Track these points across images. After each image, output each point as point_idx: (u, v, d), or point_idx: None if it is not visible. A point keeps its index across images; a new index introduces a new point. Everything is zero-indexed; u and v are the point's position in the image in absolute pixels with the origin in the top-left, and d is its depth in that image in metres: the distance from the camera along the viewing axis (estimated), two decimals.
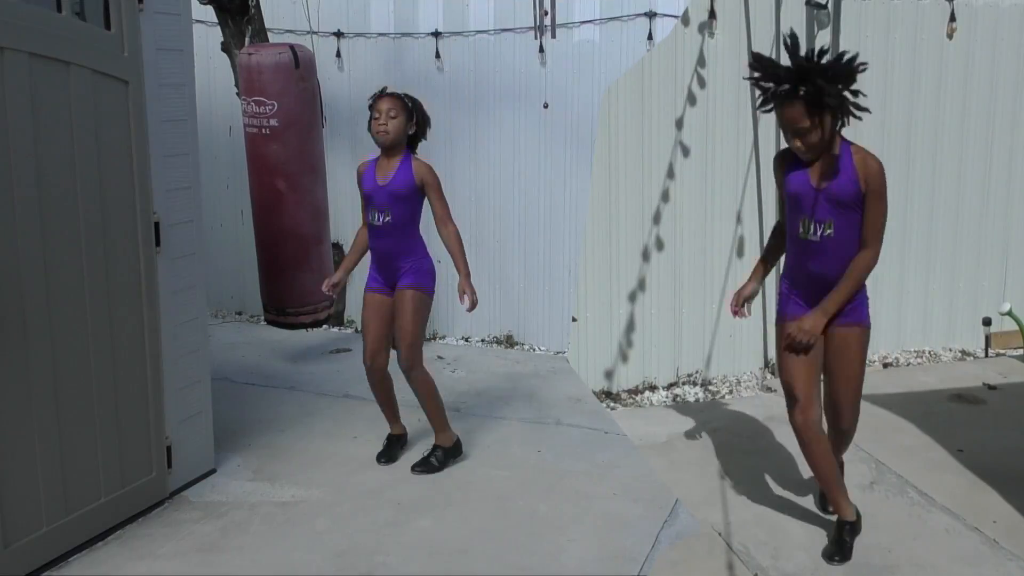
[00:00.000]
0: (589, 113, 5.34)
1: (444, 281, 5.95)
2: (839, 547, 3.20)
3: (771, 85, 2.98)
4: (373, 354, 3.79)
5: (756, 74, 3.06)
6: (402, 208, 3.70)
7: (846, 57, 2.93)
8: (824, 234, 3.05)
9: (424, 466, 3.84)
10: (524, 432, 4.29)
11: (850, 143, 3.06)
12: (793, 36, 2.98)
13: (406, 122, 3.70)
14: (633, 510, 3.50)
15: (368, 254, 3.87)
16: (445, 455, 3.89)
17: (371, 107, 3.72)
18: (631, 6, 5.26)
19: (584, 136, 5.42)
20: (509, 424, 4.40)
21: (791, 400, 3.18)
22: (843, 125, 3.00)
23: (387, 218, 3.70)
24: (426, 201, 3.81)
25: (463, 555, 3.16)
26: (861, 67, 2.92)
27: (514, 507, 3.52)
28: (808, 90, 2.87)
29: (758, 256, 5.33)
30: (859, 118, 2.98)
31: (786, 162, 3.15)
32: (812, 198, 3.05)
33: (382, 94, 3.72)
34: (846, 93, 2.92)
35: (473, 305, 3.76)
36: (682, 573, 3.11)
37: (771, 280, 4.83)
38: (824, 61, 2.91)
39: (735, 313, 3.47)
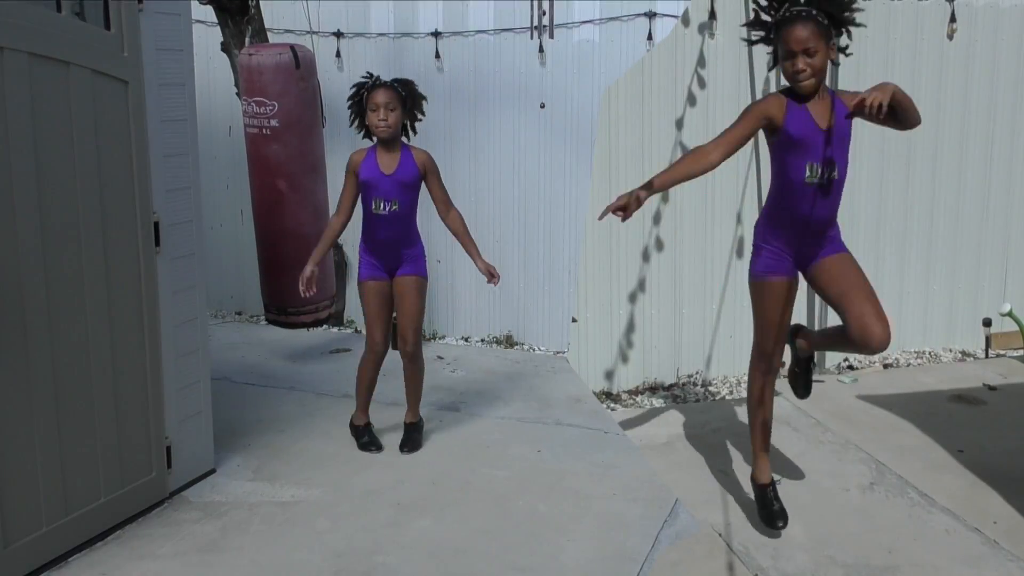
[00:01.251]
0: (589, 113, 5.34)
1: (444, 281, 5.99)
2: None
3: (781, 11, 3.03)
4: (384, 337, 3.89)
5: (763, 4, 3.10)
6: (408, 196, 3.80)
7: None
8: (830, 176, 3.05)
9: (412, 445, 4.03)
10: (524, 432, 4.29)
11: (832, 89, 3.12)
12: None
13: (402, 113, 3.76)
14: (633, 510, 3.50)
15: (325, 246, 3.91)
16: (419, 430, 4.12)
17: (363, 98, 3.75)
18: (631, 6, 5.26)
19: (584, 136, 5.42)
20: (509, 424, 4.40)
21: (766, 355, 3.31)
22: (835, 62, 3.10)
23: (394, 207, 3.76)
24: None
25: (463, 555, 3.17)
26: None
27: (514, 507, 3.52)
28: (822, 14, 2.95)
29: None
30: (850, 53, 3.09)
31: (781, 103, 3.07)
32: (821, 140, 3.02)
33: (375, 86, 3.74)
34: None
35: (498, 279, 3.88)
36: (682, 573, 3.11)
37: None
38: None
39: (622, 218, 3.04)
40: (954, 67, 5.67)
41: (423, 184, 3.88)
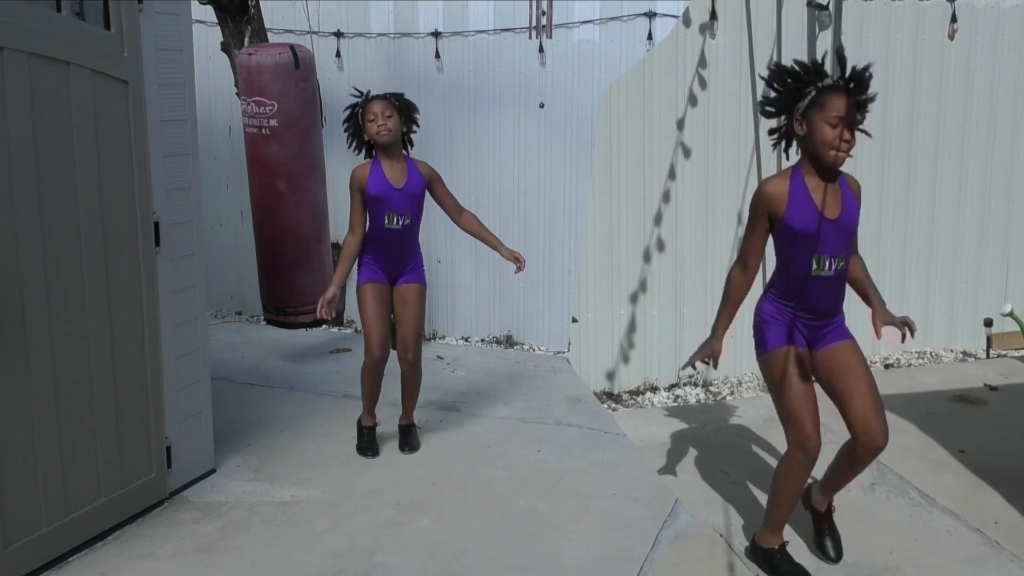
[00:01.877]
0: (589, 113, 5.34)
1: (444, 281, 5.99)
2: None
3: (813, 82, 2.81)
4: (383, 342, 3.82)
5: (787, 80, 2.86)
6: (417, 208, 3.84)
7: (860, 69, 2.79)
8: (837, 267, 2.85)
9: (412, 445, 4.04)
10: (524, 432, 4.29)
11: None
12: (840, 49, 2.90)
13: (400, 120, 3.79)
14: (633, 510, 3.50)
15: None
16: (414, 431, 4.12)
17: (359, 112, 3.80)
18: (631, 6, 5.27)
19: (584, 136, 5.42)
20: (509, 424, 4.40)
21: (805, 430, 2.88)
22: None
23: (406, 221, 3.78)
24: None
25: (463, 555, 3.16)
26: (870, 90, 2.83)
27: (514, 507, 3.52)
28: (857, 87, 2.76)
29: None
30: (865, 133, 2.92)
31: (780, 193, 2.84)
32: (827, 232, 2.80)
33: (368, 99, 3.79)
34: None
35: (523, 263, 3.96)
36: (683, 574, 3.11)
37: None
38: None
39: (710, 363, 3.00)
40: (955, 67, 5.67)
41: (427, 194, 3.90)
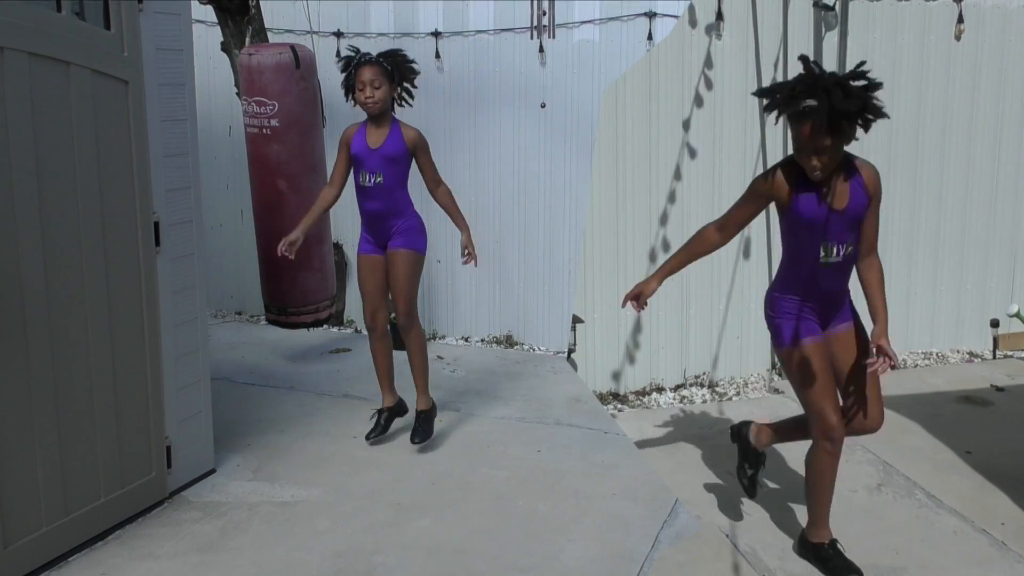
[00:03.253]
0: (589, 113, 5.34)
1: (444, 281, 5.98)
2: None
3: (790, 102, 2.79)
4: (373, 312, 3.96)
5: (768, 101, 2.87)
6: (393, 170, 3.84)
7: (859, 69, 2.76)
8: (845, 253, 2.92)
9: (423, 435, 3.99)
10: (524, 432, 4.29)
11: (849, 154, 2.89)
12: (804, 56, 2.82)
13: (391, 87, 3.81)
14: (633, 510, 3.49)
15: (323, 217, 4.06)
16: (430, 419, 4.06)
17: (350, 74, 3.80)
18: (631, 6, 5.26)
19: (584, 136, 5.41)
20: (509, 424, 4.40)
21: (828, 420, 2.96)
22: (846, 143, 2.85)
23: (379, 179, 3.83)
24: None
25: (463, 555, 3.16)
26: (874, 83, 2.74)
27: (514, 507, 3.52)
28: (830, 104, 2.67)
29: (765, 257, 5.38)
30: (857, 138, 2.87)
31: (788, 182, 2.88)
32: (835, 222, 2.85)
33: (361, 63, 3.77)
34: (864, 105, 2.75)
35: (476, 261, 3.91)
36: (689, 574, 3.11)
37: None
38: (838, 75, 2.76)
39: (636, 308, 3.16)
40: (961, 68, 5.67)
41: (413, 161, 3.91)
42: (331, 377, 5.07)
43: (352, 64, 3.80)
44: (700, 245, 3.12)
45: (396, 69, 3.82)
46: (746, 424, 3.56)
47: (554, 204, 5.61)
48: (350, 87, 3.83)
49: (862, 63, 2.79)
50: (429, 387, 4.09)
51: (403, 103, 3.94)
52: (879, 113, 2.75)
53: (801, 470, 3.96)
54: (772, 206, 3.01)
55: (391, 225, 3.90)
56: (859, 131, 2.81)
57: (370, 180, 3.83)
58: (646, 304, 3.14)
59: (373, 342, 4.04)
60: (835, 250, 2.89)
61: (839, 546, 3.16)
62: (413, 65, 3.91)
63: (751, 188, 3.00)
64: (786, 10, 5.25)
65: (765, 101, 2.91)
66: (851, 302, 3.10)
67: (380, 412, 4.11)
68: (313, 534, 3.30)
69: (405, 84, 3.89)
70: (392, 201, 3.88)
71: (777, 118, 2.87)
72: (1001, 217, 5.92)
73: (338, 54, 5.93)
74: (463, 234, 3.95)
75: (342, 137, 3.90)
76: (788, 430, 3.41)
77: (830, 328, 3.07)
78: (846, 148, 2.85)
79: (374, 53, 3.87)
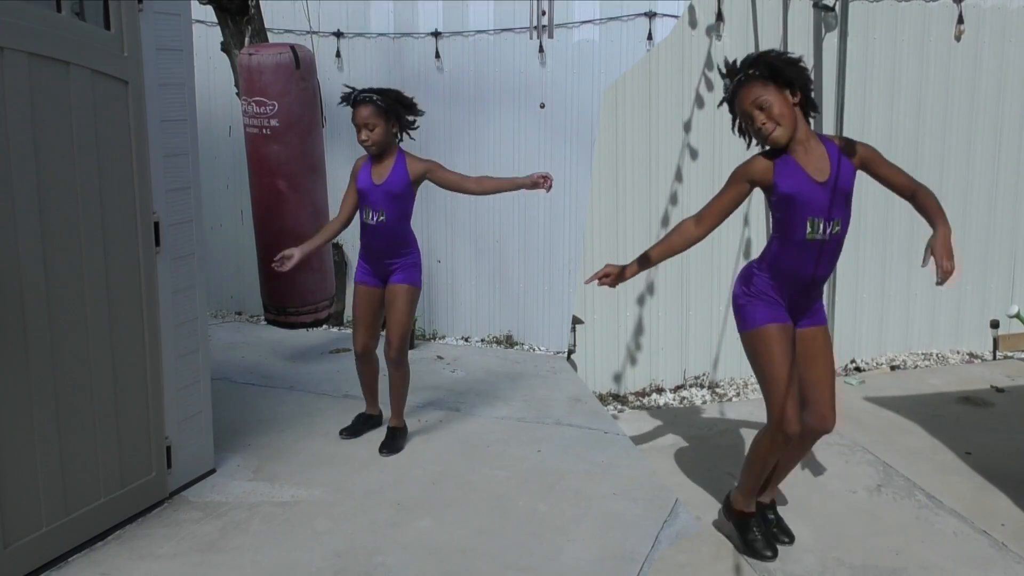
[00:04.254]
0: (589, 113, 5.34)
1: (444, 281, 5.98)
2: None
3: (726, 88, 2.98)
4: (365, 342, 4.03)
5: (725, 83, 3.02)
6: (396, 207, 3.84)
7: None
8: (832, 231, 2.91)
9: (391, 448, 4.03)
10: (524, 432, 4.29)
11: (816, 132, 2.98)
12: (729, 62, 3.00)
13: (387, 125, 3.79)
14: (633, 510, 3.49)
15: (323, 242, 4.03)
16: (402, 435, 4.11)
17: (352, 107, 3.80)
18: (631, 6, 5.27)
19: (584, 136, 5.42)
20: (509, 424, 4.40)
21: (785, 412, 2.96)
22: (809, 115, 2.95)
23: (382, 217, 3.84)
24: (417, 199, 3.97)
25: (463, 555, 3.16)
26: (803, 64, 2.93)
27: (514, 507, 3.52)
28: (761, 68, 2.87)
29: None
30: (816, 110, 2.97)
31: (766, 162, 2.94)
32: (821, 195, 2.87)
33: (355, 102, 3.77)
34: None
35: (550, 180, 3.79)
36: (689, 575, 3.11)
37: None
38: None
39: (599, 281, 3.16)
40: (961, 68, 5.67)
41: (417, 190, 3.90)
42: (331, 377, 5.07)
43: (349, 101, 3.79)
44: (677, 237, 3.10)
45: (391, 107, 3.78)
46: (726, 506, 3.38)
47: (554, 204, 5.61)
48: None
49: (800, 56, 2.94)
50: (403, 409, 4.12)
51: (405, 136, 3.90)
52: (807, 81, 2.91)
53: (804, 473, 3.97)
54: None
55: (393, 261, 3.92)
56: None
57: (374, 218, 3.83)
58: (614, 285, 3.18)
59: (360, 365, 4.11)
60: (821, 226, 2.89)
61: (761, 519, 3.25)
62: (412, 102, 3.87)
63: (730, 177, 3.03)
64: (786, 11, 5.24)
65: (722, 96, 3.03)
66: (822, 304, 3.14)
67: (360, 416, 4.24)
68: (313, 534, 3.30)
69: (404, 119, 3.85)
70: (396, 238, 3.89)
71: (730, 105, 2.98)
72: (1001, 218, 5.92)
73: (338, 54, 5.95)
74: (521, 182, 3.80)
75: (352, 169, 3.93)
76: (748, 468, 3.23)
77: (798, 324, 3.07)
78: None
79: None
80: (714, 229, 3.08)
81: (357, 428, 4.19)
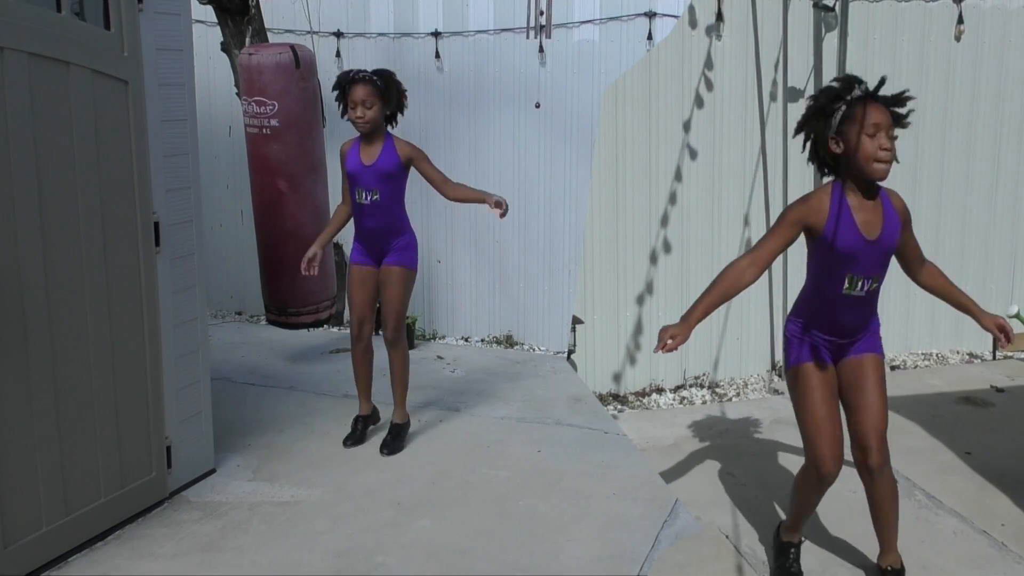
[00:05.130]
0: (589, 113, 5.34)
1: (444, 281, 5.98)
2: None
3: (859, 87, 2.76)
4: (360, 322, 3.99)
5: (832, 96, 2.80)
6: (389, 187, 3.85)
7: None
8: (870, 288, 2.80)
9: (391, 448, 4.00)
10: (524, 432, 4.29)
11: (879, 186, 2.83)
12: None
13: (382, 106, 3.82)
14: (633, 510, 3.49)
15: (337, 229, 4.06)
16: (402, 434, 4.09)
17: (342, 92, 3.81)
18: (631, 6, 5.26)
19: (584, 136, 5.42)
20: (509, 424, 4.40)
21: (820, 452, 2.86)
22: None
23: (375, 196, 3.84)
24: (410, 179, 3.98)
25: (463, 555, 3.16)
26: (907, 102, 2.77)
27: (514, 507, 3.52)
28: (891, 103, 2.72)
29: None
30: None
31: (825, 208, 2.75)
32: (866, 254, 2.74)
33: (354, 80, 3.79)
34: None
35: (505, 208, 3.80)
36: (689, 575, 3.10)
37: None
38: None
39: (664, 348, 2.83)
40: (962, 68, 5.67)
41: (408, 173, 3.91)
42: (331, 377, 5.07)
43: (345, 81, 3.81)
44: (733, 285, 2.85)
45: (388, 88, 3.82)
46: (776, 532, 3.29)
47: (554, 204, 5.61)
48: (344, 104, 3.84)
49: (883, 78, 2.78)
50: (405, 399, 4.11)
51: (393, 123, 3.94)
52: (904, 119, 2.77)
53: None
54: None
55: (388, 243, 3.93)
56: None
57: (367, 198, 3.84)
58: (675, 348, 2.84)
59: (356, 352, 4.06)
60: (860, 284, 2.78)
61: (800, 550, 3.16)
62: (404, 89, 3.93)
63: (785, 216, 2.84)
64: (786, 11, 5.24)
65: (809, 105, 2.84)
66: (876, 333, 2.98)
67: (357, 419, 4.18)
68: (313, 534, 3.30)
69: (397, 103, 3.90)
70: (390, 218, 3.90)
71: (832, 127, 2.76)
72: (1001, 218, 5.92)
73: (338, 54, 5.95)
74: (488, 199, 3.82)
75: (340, 155, 3.93)
76: (791, 504, 3.18)
77: (847, 355, 2.94)
78: None
79: (369, 69, 3.87)
80: (764, 272, 2.91)
81: (360, 435, 4.12)
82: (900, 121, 2.77)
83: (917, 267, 2.97)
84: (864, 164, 2.71)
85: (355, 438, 4.10)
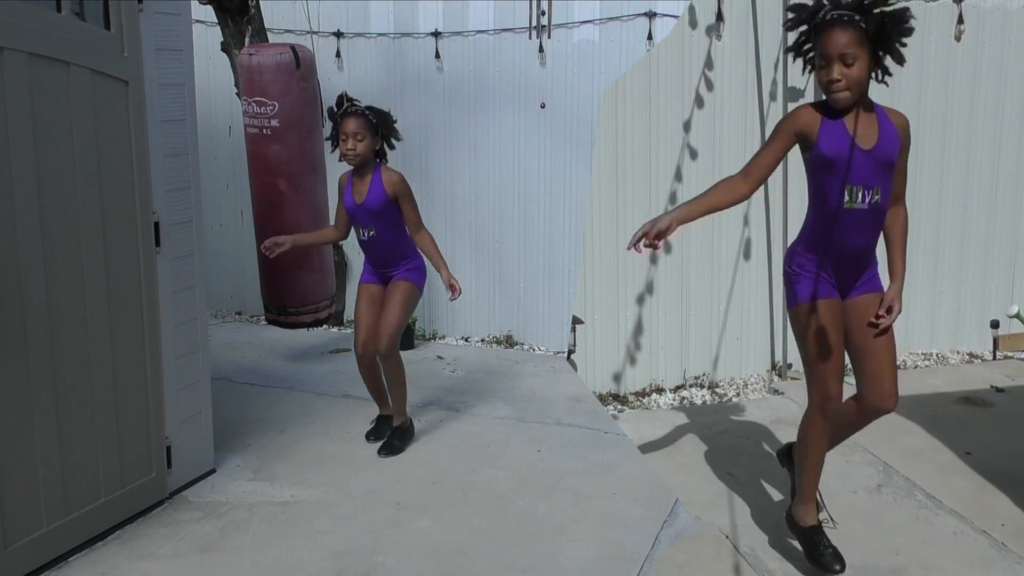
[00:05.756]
0: (589, 113, 5.34)
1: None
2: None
3: (820, 13, 2.71)
4: (365, 343, 3.99)
5: (797, 21, 2.78)
6: (382, 223, 3.89)
7: (900, 5, 2.68)
8: (872, 201, 2.74)
9: (389, 449, 4.02)
10: (524, 432, 4.29)
11: (875, 102, 2.81)
12: None
13: (372, 140, 3.83)
14: (633, 510, 3.49)
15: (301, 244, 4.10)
16: (404, 436, 4.10)
17: (335, 123, 3.82)
18: (631, 6, 5.26)
19: (584, 136, 5.42)
20: (509, 424, 4.40)
21: (827, 389, 2.85)
22: (877, 79, 2.77)
23: (372, 233, 3.90)
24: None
25: (463, 555, 3.16)
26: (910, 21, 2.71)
27: (514, 507, 3.52)
28: (868, 20, 2.64)
29: (765, 257, 5.38)
30: (890, 74, 2.77)
31: (813, 117, 2.75)
32: (860, 161, 2.71)
33: (346, 113, 3.79)
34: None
35: (459, 293, 3.89)
36: (688, 575, 3.10)
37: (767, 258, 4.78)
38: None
39: (638, 250, 2.77)
40: (961, 68, 5.67)
41: (398, 203, 3.89)
42: (331, 377, 5.07)
43: (337, 114, 3.82)
44: (724, 194, 2.82)
45: (380, 124, 3.84)
46: (789, 516, 3.25)
47: (554, 204, 5.61)
48: (335, 137, 3.84)
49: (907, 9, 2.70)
50: (407, 407, 4.13)
51: (382, 159, 3.93)
52: (905, 31, 2.69)
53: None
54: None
55: (395, 267, 3.97)
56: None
57: (365, 234, 3.91)
58: (658, 246, 2.76)
59: (362, 370, 4.07)
60: (860, 194, 2.73)
61: (823, 531, 3.12)
62: (396, 126, 3.95)
63: (778, 128, 2.83)
64: (786, 11, 5.24)
65: (790, 16, 2.81)
66: (877, 272, 2.96)
67: (380, 419, 4.22)
68: (313, 534, 3.30)
69: (388, 138, 3.93)
70: (391, 248, 3.94)
71: (807, 34, 2.76)
72: (1001, 218, 5.92)
73: (338, 54, 5.95)
74: (442, 273, 3.89)
75: (338, 185, 3.96)
76: (802, 468, 3.13)
77: (850, 295, 2.91)
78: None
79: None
80: (760, 187, 2.88)
81: (381, 431, 4.15)
82: (879, 39, 2.67)
83: (891, 201, 2.90)
84: (825, 92, 2.74)
85: (377, 434, 4.15)
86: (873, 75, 2.78)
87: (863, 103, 2.78)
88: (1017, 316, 5.48)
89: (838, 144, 2.73)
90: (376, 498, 3.59)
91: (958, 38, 5.47)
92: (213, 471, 3.78)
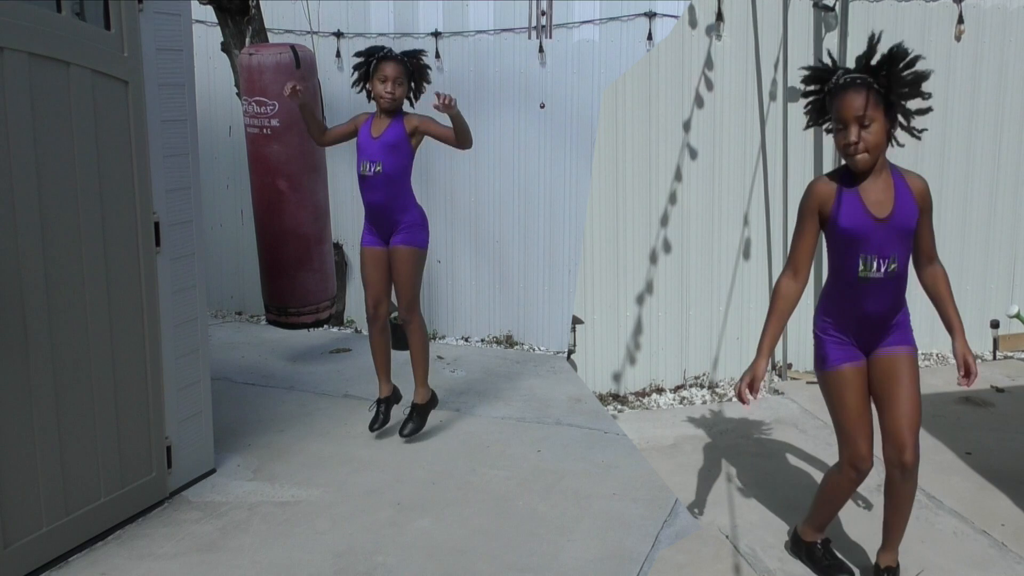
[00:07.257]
0: (589, 113, 5.34)
1: (444, 281, 5.98)
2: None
3: (833, 78, 2.70)
4: (375, 303, 4.03)
5: (809, 81, 2.80)
6: (393, 159, 3.87)
7: (914, 60, 2.65)
8: (888, 270, 2.74)
9: (413, 428, 4.06)
10: (524, 432, 4.29)
11: (893, 164, 2.79)
12: (870, 38, 2.70)
13: (407, 86, 3.90)
14: (633, 510, 3.49)
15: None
16: (424, 412, 4.12)
17: (374, 66, 3.84)
18: (631, 6, 5.26)
19: (584, 136, 5.42)
20: (509, 424, 4.40)
21: (859, 450, 2.86)
22: (890, 142, 2.74)
23: (378, 168, 3.87)
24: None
25: (463, 555, 3.16)
26: (925, 75, 2.68)
27: (514, 507, 3.52)
28: (879, 80, 2.63)
29: (764, 257, 5.38)
30: (918, 137, 2.73)
31: (829, 190, 2.76)
32: (876, 232, 2.71)
33: (386, 57, 3.84)
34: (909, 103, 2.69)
35: (449, 98, 3.64)
36: (689, 575, 3.11)
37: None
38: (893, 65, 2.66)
39: (745, 400, 2.83)
40: (962, 68, 5.67)
41: (415, 150, 3.92)
42: (331, 377, 5.07)
43: (376, 55, 3.85)
44: (786, 303, 2.86)
45: (416, 70, 3.92)
46: (795, 537, 3.28)
47: (554, 204, 5.61)
48: (366, 76, 3.86)
49: (918, 59, 2.66)
50: (426, 378, 4.13)
51: (412, 104, 4.02)
52: (916, 92, 2.65)
53: (805, 474, 3.98)
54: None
55: (394, 220, 3.95)
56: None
57: (370, 169, 3.88)
58: (759, 391, 2.83)
59: (373, 335, 4.09)
60: (875, 264, 2.73)
61: (831, 546, 3.15)
62: (429, 70, 4.00)
63: (800, 213, 2.84)
64: (786, 11, 5.24)
65: (805, 75, 2.80)
66: (906, 321, 2.94)
67: (379, 402, 4.18)
68: (313, 534, 3.30)
69: (420, 84, 3.97)
70: (393, 193, 3.91)
71: (815, 102, 2.77)
72: (1001, 217, 5.92)
73: (338, 54, 5.95)
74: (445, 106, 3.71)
75: (356, 116, 3.98)
76: (818, 504, 3.16)
77: (875, 350, 2.91)
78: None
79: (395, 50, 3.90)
80: (810, 271, 2.91)
81: (385, 417, 4.14)
82: (896, 107, 2.66)
83: (924, 262, 2.91)
84: (842, 156, 2.75)
85: (380, 421, 4.13)
86: (891, 142, 2.75)
87: (882, 170, 2.75)
88: (1017, 316, 5.48)
89: (854, 217, 2.73)
90: (376, 498, 3.59)
91: (958, 38, 5.47)
92: (213, 471, 3.78)
